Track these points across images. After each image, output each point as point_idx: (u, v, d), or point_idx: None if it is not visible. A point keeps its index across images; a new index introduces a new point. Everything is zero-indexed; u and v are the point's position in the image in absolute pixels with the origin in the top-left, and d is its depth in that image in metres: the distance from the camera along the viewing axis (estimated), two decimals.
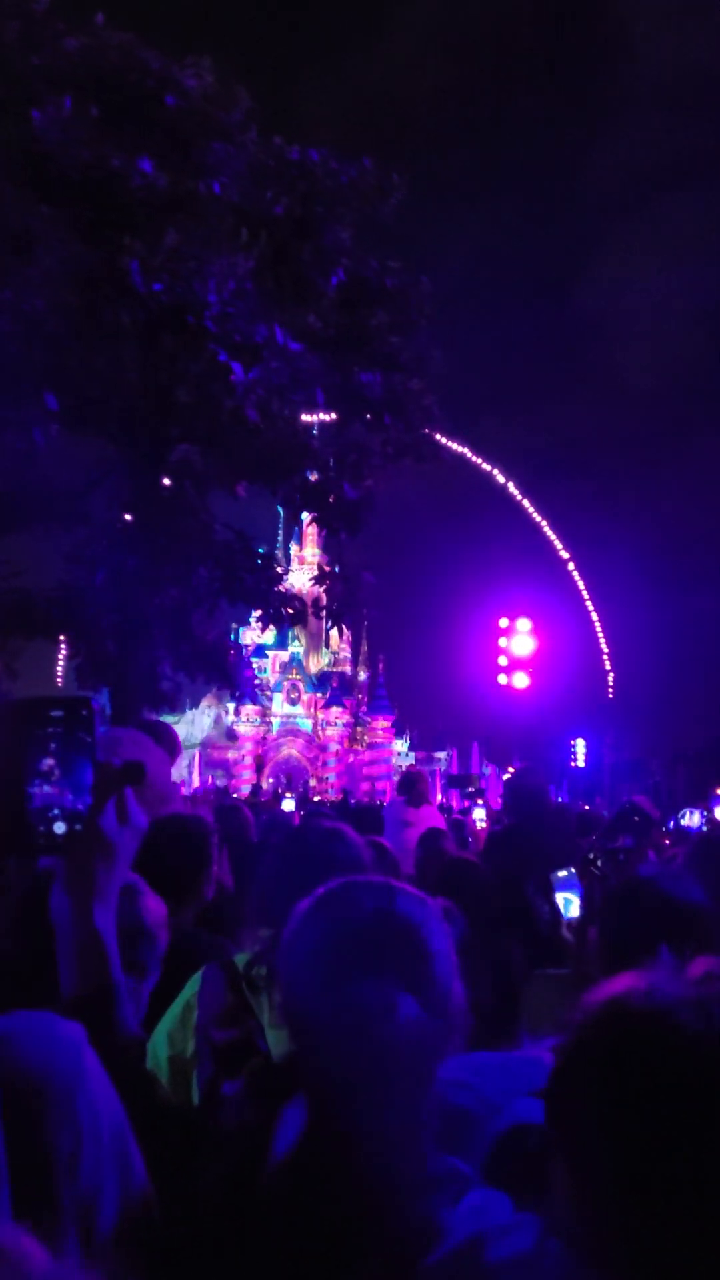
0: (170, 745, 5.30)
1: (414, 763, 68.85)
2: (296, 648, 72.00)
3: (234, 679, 20.45)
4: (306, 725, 71.36)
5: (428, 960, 1.65)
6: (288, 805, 20.29)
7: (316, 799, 50.46)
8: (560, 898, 4.38)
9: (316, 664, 74.25)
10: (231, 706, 66.63)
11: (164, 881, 3.72)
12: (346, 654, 76.34)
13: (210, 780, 60.85)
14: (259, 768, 68.31)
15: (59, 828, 1.63)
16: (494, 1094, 1.73)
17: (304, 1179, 1.54)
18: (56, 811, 1.63)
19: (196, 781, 59.88)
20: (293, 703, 71.33)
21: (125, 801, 1.72)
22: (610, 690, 64.95)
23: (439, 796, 34.10)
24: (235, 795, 41.69)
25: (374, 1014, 1.54)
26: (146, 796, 4.29)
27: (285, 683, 71.31)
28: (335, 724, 70.15)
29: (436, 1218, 1.52)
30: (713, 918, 3.00)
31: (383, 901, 1.69)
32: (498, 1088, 1.78)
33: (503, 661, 30.27)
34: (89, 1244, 1.42)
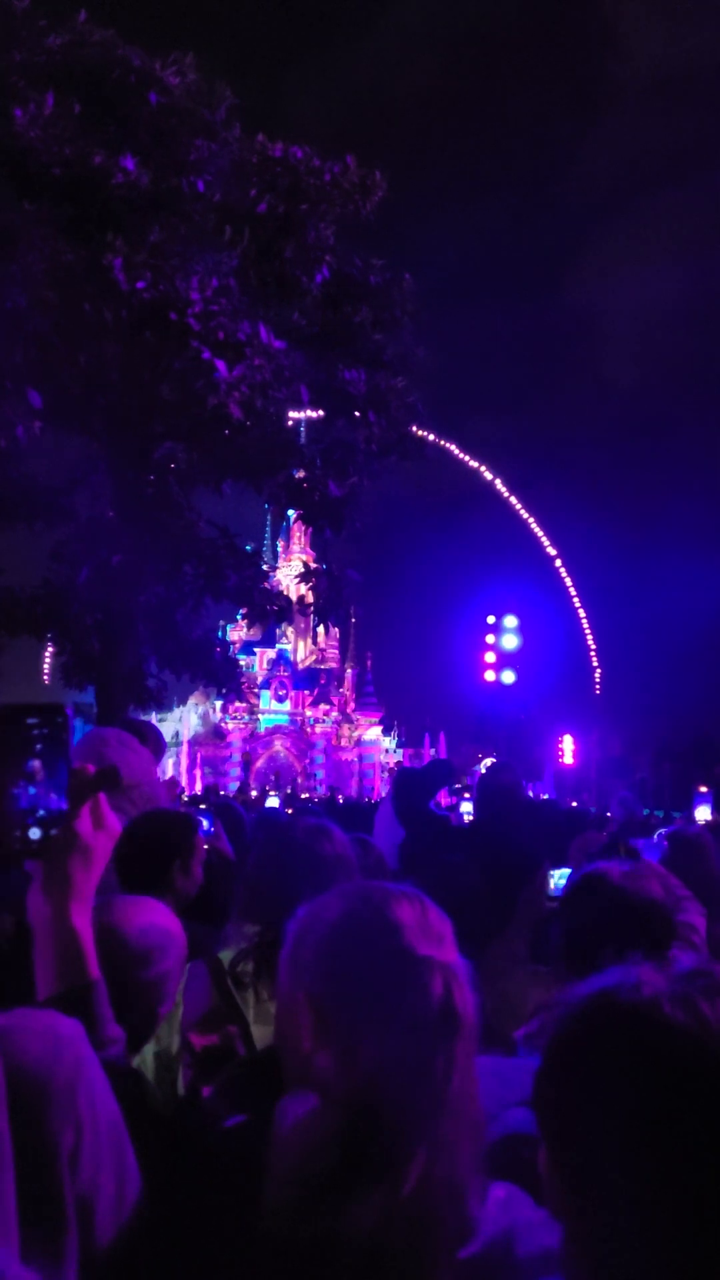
0: (155, 744, 5.32)
1: (401, 759, 69.01)
2: (284, 645, 72.05)
3: (221, 676, 20.45)
4: (286, 721, 71.42)
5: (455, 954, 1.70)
6: (272, 802, 20.28)
7: (304, 796, 50.55)
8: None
9: (304, 662, 74.34)
10: (219, 704, 66.68)
11: (143, 875, 3.74)
12: (334, 651, 76.47)
13: (201, 778, 60.95)
14: (247, 765, 68.40)
15: (34, 833, 1.67)
16: (488, 1103, 1.72)
17: (347, 1176, 1.54)
18: (42, 813, 1.67)
19: (184, 780, 59.88)
20: (280, 700, 71.40)
21: (100, 806, 1.76)
22: (597, 687, 65.14)
23: None
24: (223, 793, 41.74)
25: (450, 996, 1.59)
26: (134, 796, 4.30)
27: (273, 680, 71.36)
28: (323, 721, 70.26)
29: (470, 1211, 1.54)
30: (666, 914, 3.02)
31: (419, 906, 1.73)
32: (493, 1097, 1.78)
33: (490, 658, 30.40)
34: (88, 1237, 1.45)
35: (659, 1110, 1.33)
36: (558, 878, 4.35)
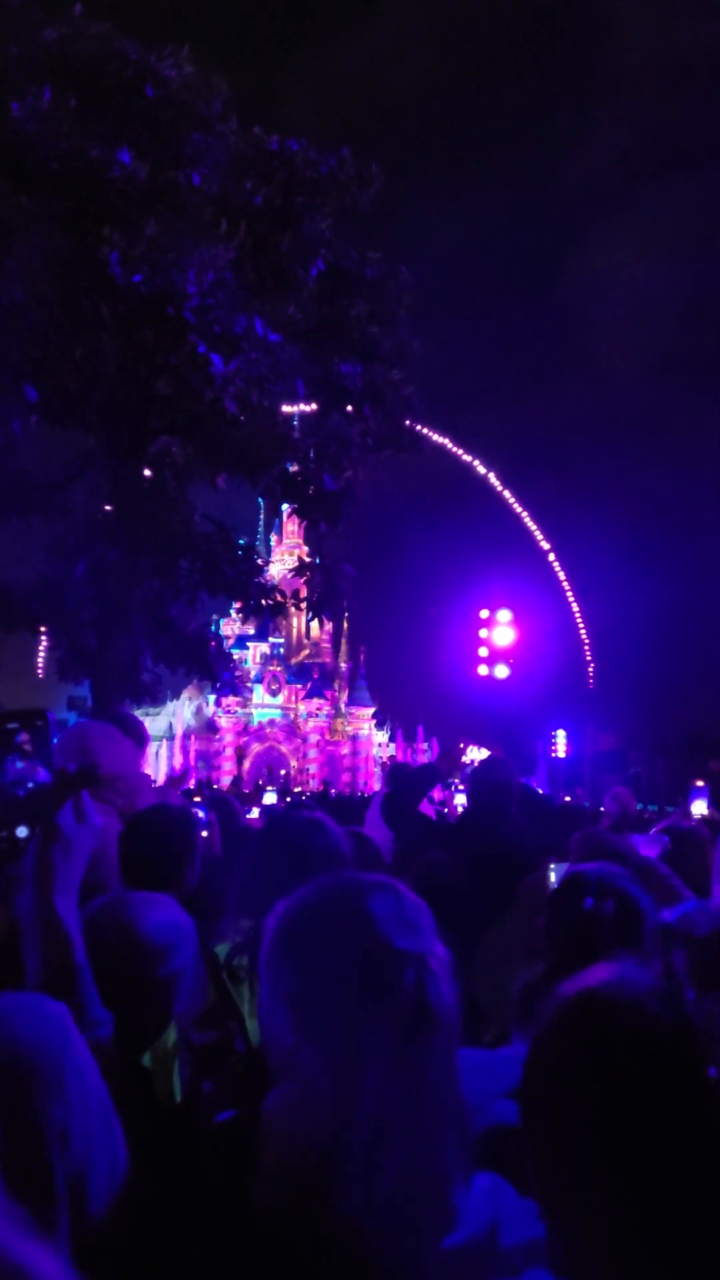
0: (138, 737, 5.34)
1: (395, 753, 68.99)
2: (277, 639, 71.97)
3: (215, 670, 20.45)
4: (279, 715, 71.39)
5: (437, 947, 1.69)
6: (269, 798, 20.27)
7: (297, 789, 50.55)
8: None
9: (297, 655, 74.30)
10: (212, 698, 66.62)
11: (149, 870, 3.75)
12: (327, 645, 76.42)
13: (192, 765, 60.85)
14: (240, 759, 68.34)
15: (21, 831, 1.76)
16: (474, 1095, 1.73)
17: (330, 1163, 1.54)
18: (31, 785, 1.77)
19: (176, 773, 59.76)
20: (273, 694, 71.34)
21: (82, 802, 1.83)
22: (591, 681, 65.17)
23: None
24: (216, 786, 41.71)
25: (424, 992, 1.58)
26: (119, 787, 4.31)
27: (266, 674, 71.29)
28: (316, 715, 70.23)
29: (454, 1200, 1.55)
30: (648, 917, 3.05)
31: (393, 897, 1.72)
32: (478, 1089, 1.80)
33: (483, 652, 30.33)
34: (81, 1213, 1.48)
35: (639, 1105, 1.36)
36: (559, 872, 4.35)
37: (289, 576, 20.89)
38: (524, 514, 64.57)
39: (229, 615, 50.13)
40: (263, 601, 19.79)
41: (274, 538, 70.39)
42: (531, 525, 64.86)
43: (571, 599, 66.21)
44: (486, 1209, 1.56)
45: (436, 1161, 1.52)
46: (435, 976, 1.61)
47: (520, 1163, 1.53)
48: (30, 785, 1.76)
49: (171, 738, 67.37)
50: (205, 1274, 1.52)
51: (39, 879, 1.78)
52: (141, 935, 2.53)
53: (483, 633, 30.24)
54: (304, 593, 20.15)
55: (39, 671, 47.44)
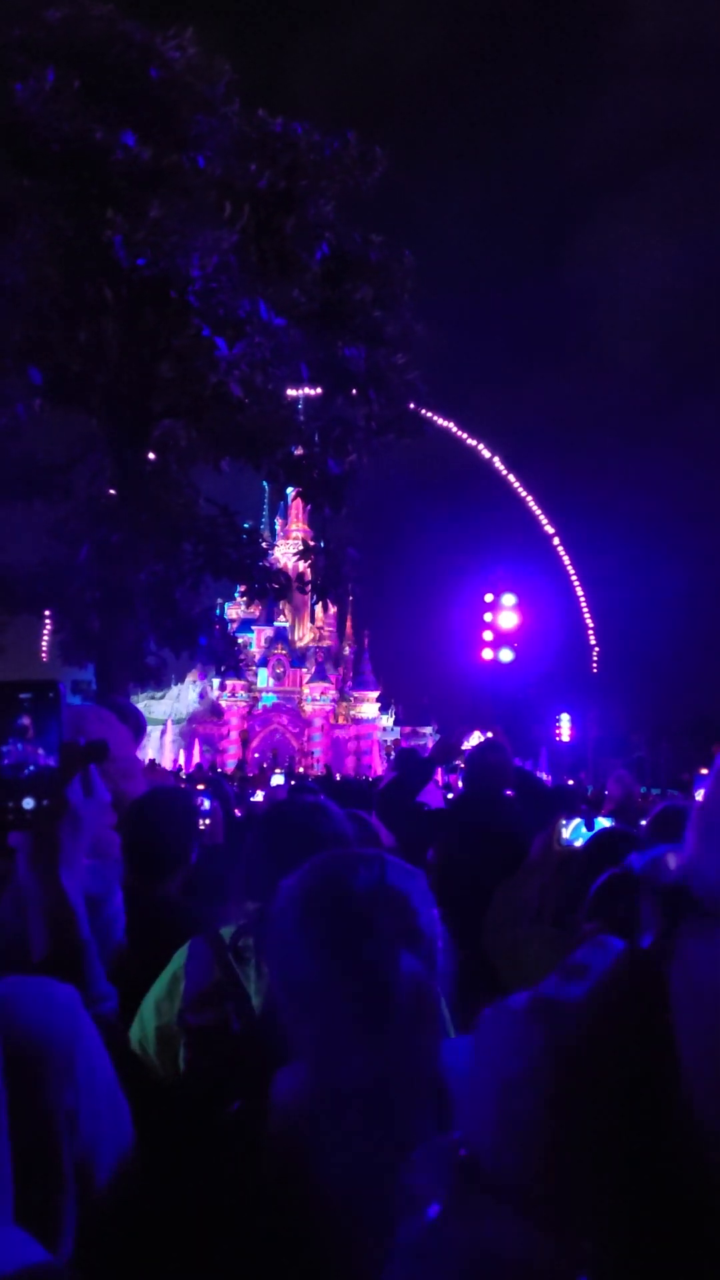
0: (135, 724, 5.36)
1: (399, 737, 69.08)
2: (282, 623, 72.01)
3: (220, 654, 20.47)
4: (284, 699, 71.45)
5: (419, 924, 1.72)
6: (277, 780, 20.32)
7: (300, 771, 50.63)
8: None
9: (302, 639, 74.32)
10: (216, 682, 66.69)
11: (152, 853, 3.79)
12: (331, 629, 76.45)
13: (203, 757, 60.97)
14: (244, 743, 68.45)
15: (28, 803, 1.74)
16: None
17: (309, 1138, 1.59)
18: (32, 768, 1.74)
19: (181, 757, 59.88)
20: (278, 678, 71.41)
21: (90, 776, 1.84)
22: (595, 665, 65.18)
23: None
24: (220, 770, 41.79)
25: (377, 971, 1.61)
26: (110, 771, 4.35)
27: (270, 658, 71.35)
28: (320, 699, 70.29)
29: None
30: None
31: (376, 872, 1.76)
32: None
33: (488, 636, 30.39)
34: (87, 1197, 1.48)
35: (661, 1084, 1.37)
36: (571, 829, 4.39)
37: (294, 559, 20.86)
38: (528, 498, 64.45)
39: (234, 599, 50.16)
40: (268, 585, 19.79)
41: (279, 521, 70.34)
42: (536, 509, 64.76)
43: (576, 583, 66.18)
44: None
45: (412, 1131, 1.52)
46: (406, 952, 1.64)
47: None
48: (31, 768, 1.75)
49: (176, 721, 67.44)
50: (204, 1244, 1.56)
51: (44, 853, 1.78)
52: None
53: (487, 617, 30.29)
54: (308, 576, 20.17)
55: (43, 655, 47.64)
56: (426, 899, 1.78)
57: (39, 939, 1.79)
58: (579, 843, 4.32)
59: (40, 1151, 1.43)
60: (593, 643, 65.32)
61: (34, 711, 1.76)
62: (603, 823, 4.43)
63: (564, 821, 4.38)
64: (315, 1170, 1.55)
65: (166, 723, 66.09)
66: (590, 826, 4.38)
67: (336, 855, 1.83)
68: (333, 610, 71.98)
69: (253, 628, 68.70)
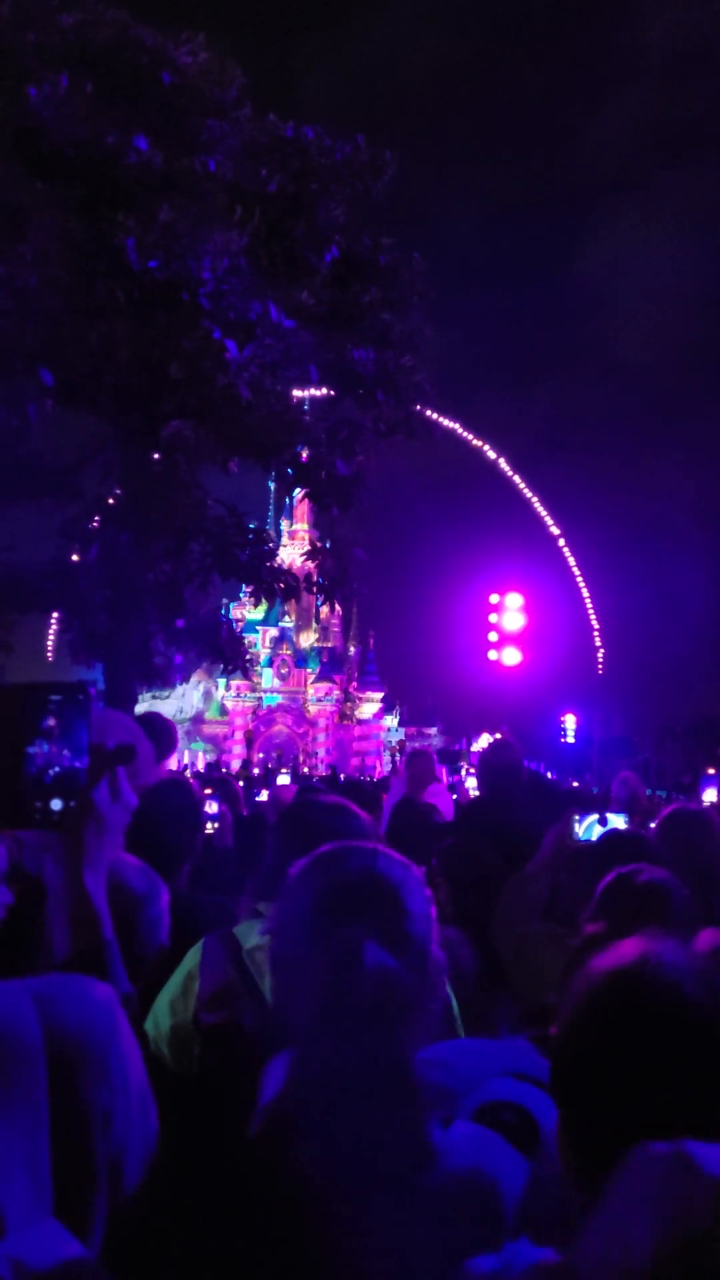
0: (166, 740, 5.31)
1: (404, 738, 68.99)
2: (287, 623, 71.90)
3: (228, 654, 20.51)
4: (288, 699, 71.33)
5: (404, 918, 1.79)
6: (283, 780, 20.35)
7: (305, 771, 50.60)
8: None
9: (306, 639, 74.22)
10: (222, 682, 66.63)
11: (159, 846, 3.86)
12: (336, 629, 76.29)
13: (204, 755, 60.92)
14: (249, 743, 68.36)
15: (55, 804, 1.79)
16: (470, 1073, 1.84)
17: (291, 1116, 1.65)
18: (57, 769, 1.79)
19: (186, 757, 59.85)
20: (282, 678, 71.31)
21: (118, 780, 1.88)
22: (600, 667, 65.05)
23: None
24: (224, 770, 41.82)
25: (341, 958, 1.67)
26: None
27: (275, 658, 71.25)
28: (325, 699, 70.17)
29: (428, 1139, 1.64)
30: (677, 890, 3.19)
31: (366, 861, 1.84)
32: (474, 1068, 1.90)
33: (493, 637, 30.34)
34: (116, 1194, 1.53)
35: (674, 1083, 1.43)
36: (585, 827, 4.44)
37: (300, 560, 20.92)
38: (534, 499, 64.36)
39: (239, 599, 50.12)
40: (275, 585, 19.85)
41: (284, 522, 70.26)
42: (542, 510, 64.67)
43: (581, 584, 66.08)
44: (470, 1154, 1.64)
45: (377, 1123, 1.60)
46: (374, 943, 1.69)
47: (514, 1132, 1.66)
48: (56, 769, 1.78)
49: (181, 721, 67.39)
50: (203, 1222, 1.62)
51: (70, 854, 1.81)
52: (126, 878, 2.69)
53: (492, 617, 30.26)
54: (316, 576, 20.23)
55: (49, 654, 47.63)
56: (418, 895, 1.85)
57: (62, 939, 1.83)
58: (592, 837, 4.38)
59: (76, 1149, 1.48)
60: (598, 644, 65.26)
61: (63, 713, 1.80)
62: (616, 820, 4.48)
63: (578, 817, 4.43)
64: (294, 1157, 1.59)
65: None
66: (604, 823, 4.43)
67: (339, 845, 1.92)
68: (338, 611, 71.93)
69: (257, 628, 68.61)
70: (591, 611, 65.25)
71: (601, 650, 64.72)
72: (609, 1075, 1.47)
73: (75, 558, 17.96)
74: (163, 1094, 1.74)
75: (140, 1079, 1.63)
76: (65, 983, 1.64)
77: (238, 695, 69.04)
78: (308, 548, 20.86)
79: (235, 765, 54.64)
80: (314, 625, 74.64)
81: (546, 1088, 1.70)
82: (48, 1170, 1.42)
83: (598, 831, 4.37)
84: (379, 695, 72.83)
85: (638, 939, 1.59)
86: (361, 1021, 1.62)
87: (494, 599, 30.30)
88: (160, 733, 5.09)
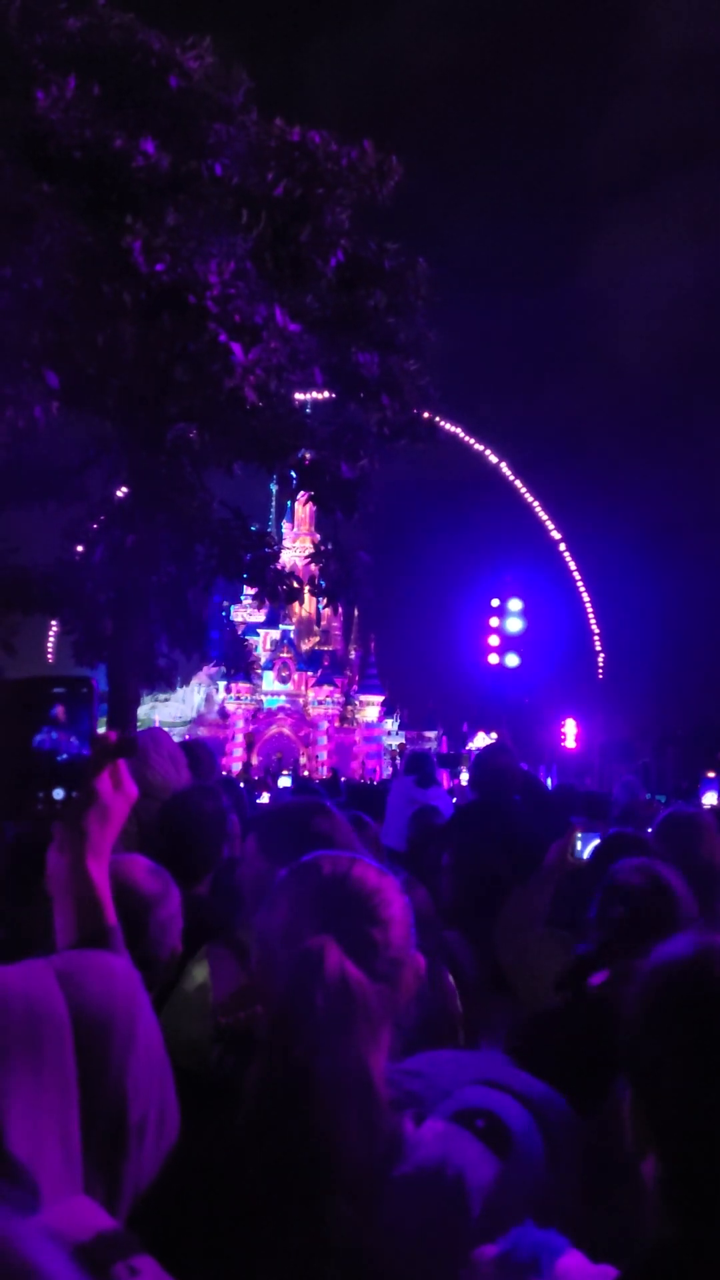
0: (206, 767, 5.34)
1: (404, 742, 69.02)
2: (287, 626, 71.92)
3: (231, 657, 20.54)
4: (289, 702, 71.32)
5: (376, 926, 1.83)
6: (284, 782, 20.42)
7: (304, 774, 50.66)
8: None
9: (307, 642, 74.23)
10: (223, 684, 66.63)
11: (183, 855, 3.87)
12: (337, 632, 76.28)
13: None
14: (249, 746, 68.34)
15: (58, 793, 1.82)
16: (444, 1082, 1.86)
17: (262, 1113, 1.69)
18: (65, 756, 1.81)
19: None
20: (283, 681, 71.30)
21: (119, 770, 1.91)
22: (601, 671, 65.13)
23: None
24: (226, 773, 41.84)
25: (302, 967, 1.71)
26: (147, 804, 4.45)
27: (276, 660, 71.25)
28: (325, 702, 70.16)
29: (397, 1133, 1.70)
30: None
31: (340, 869, 1.89)
32: (448, 1076, 1.92)
33: (494, 641, 30.41)
34: (139, 1162, 1.57)
35: None
36: (588, 850, 4.51)
37: (303, 563, 20.96)
38: (536, 504, 64.54)
39: (240, 602, 50.14)
40: (278, 588, 19.89)
41: (285, 525, 70.27)
42: (543, 515, 64.83)
43: (582, 589, 66.20)
44: (438, 1148, 1.68)
45: (357, 1117, 1.65)
46: (336, 948, 1.73)
47: (486, 1136, 1.69)
48: (64, 756, 1.81)
49: (183, 724, 67.37)
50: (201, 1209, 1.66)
51: (73, 842, 1.84)
52: (136, 881, 2.72)
53: (494, 621, 30.33)
54: (319, 579, 20.28)
55: (49, 655, 47.65)
56: (395, 903, 1.89)
57: (66, 926, 1.85)
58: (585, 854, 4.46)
59: (108, 1120, 1.52)
60: (599, 648, 65.33)
61: (66, 705, 1.82)
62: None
63: (579, 835, 4.49)
64: (257, 1155, 1.64)
65: (173, 727, 66.03)
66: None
67: (319, 854, 1.95)
68: (339, 614, 71.95)
69: (258, 631, 68.64)
70: (592, 616, 65.38)
71: (602, 655, 64.84)
72: (676, 1051, 1.55)
73: (80, 551, 17.97)
74: (183, 1098, 1.77)
75: (159, 1051, 1.67)
76: (86, 958, 1.68)
77: (238, 698, 69.03)
78: (309, 551, 20.90)
79: (236, 768, 54.66)
80: (315, 629, 74.65)
81: (519, 1096, 1.79)
82: (78, 1142, 1.46)
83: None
84: (380, 699, 72.83)
85: (687, 935, 1.66)
86: (319, 1029, 1.66)
87: (495, 603, 30.37)
88: (201, 760, 5.14)
